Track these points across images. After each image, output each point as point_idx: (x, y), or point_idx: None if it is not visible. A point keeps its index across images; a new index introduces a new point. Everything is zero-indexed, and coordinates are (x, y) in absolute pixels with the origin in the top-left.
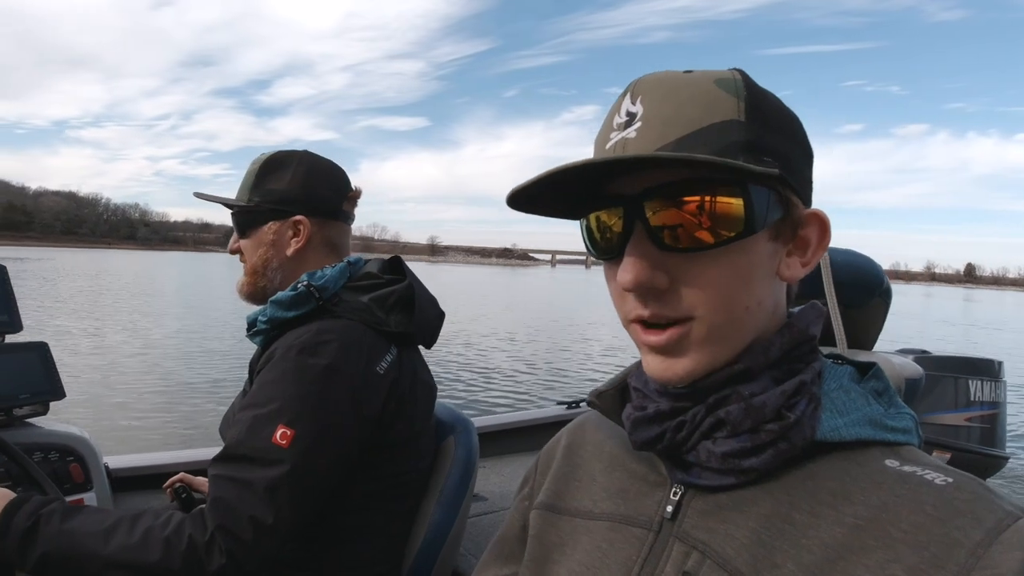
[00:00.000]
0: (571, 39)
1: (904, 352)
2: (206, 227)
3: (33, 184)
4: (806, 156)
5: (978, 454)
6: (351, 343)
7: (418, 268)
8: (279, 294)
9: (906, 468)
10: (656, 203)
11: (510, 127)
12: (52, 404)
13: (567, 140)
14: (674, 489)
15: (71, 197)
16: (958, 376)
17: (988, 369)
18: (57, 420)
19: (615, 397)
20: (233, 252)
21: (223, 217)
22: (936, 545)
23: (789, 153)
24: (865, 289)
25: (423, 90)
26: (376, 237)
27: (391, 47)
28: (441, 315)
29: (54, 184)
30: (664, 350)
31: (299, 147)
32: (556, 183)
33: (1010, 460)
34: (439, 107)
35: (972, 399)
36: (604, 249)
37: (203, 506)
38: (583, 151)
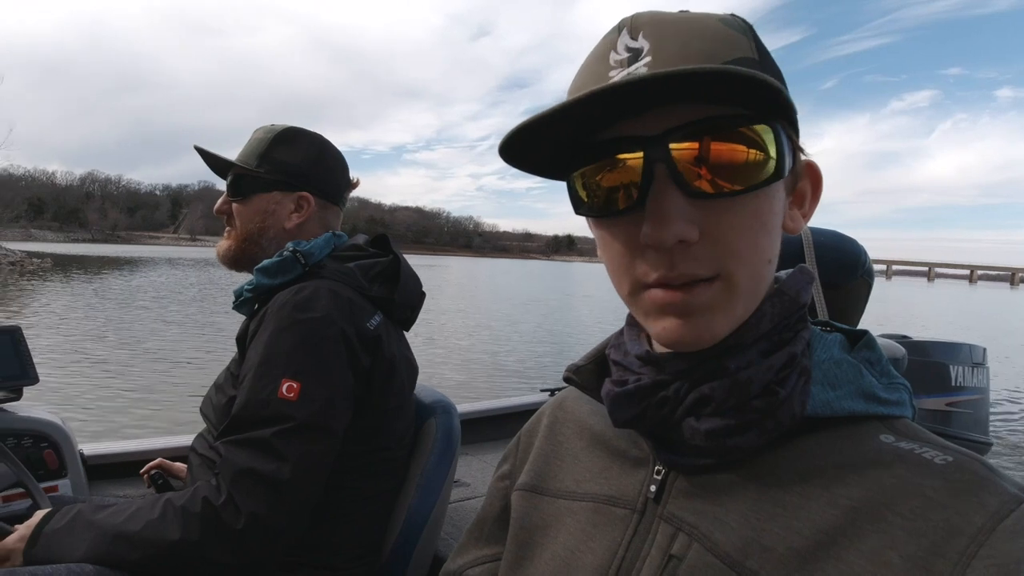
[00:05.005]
0: (897, 16)
1: (884, 337)
2: (529, 236)
3: (377, 199)
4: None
5: (958, 439)
6: (342, 298)
7: None
8: (264, 262)
9: (903, 445)
10: (683, 144)
11: (828, 122)
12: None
13: (897, 132)
14: (657, 468)
15: (418, 211)
16: (939, 361)
17: (971, 355)
18: (31, 406)
19: (593, 371)
20: (220, 213)
21: (544, 227)
22: (935, 531)
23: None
24: (847, 268)
25: None
26: None
27: None
28: (422, 295)
29: (389, 200)
30: (683, 310)
31: None
32: (553, 128)
33: (993, 446)
34: None
35: (954, 384)
36: (607, 203)
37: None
38: (915, 144)
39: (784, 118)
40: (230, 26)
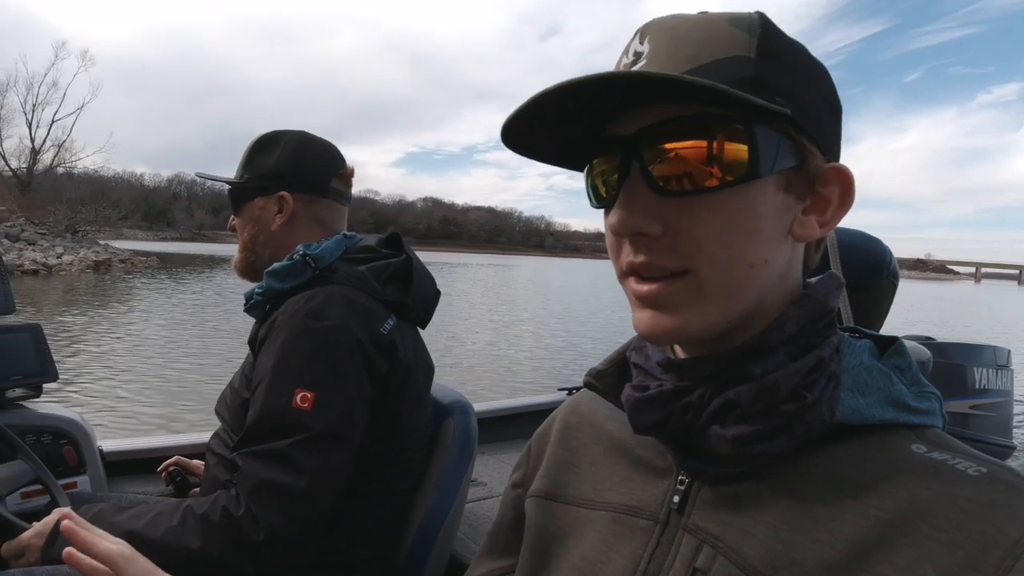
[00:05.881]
0: (984, 5)
1: (908, 338)
2: (601, 236)
3: (450, 199)
4: (831, 108)
5: (982, 443)
6: (355, 305)
7: None
8: (274, 265)
9: (935, 455)
10: (652, 143)
11: (913, 116)
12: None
13: (985, 127)
14: (680, 477)
15: (490, 211)
16: (962, 364)
17: (995, 357)
18: (50, 403)
19: (615, 376)
20: (231, 230)
21: None
22: (970, 544)
23: (807, 98)
24: (872, 269)
25: None
26: None
27: None
28: (438, 293)
29: (462, 200)
30: (654, 302)
31: None
32: (556, 123)
33: (1017, 449)
34: None
35: (978, 387)
36: (603, 197)
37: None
38: (1004, 139)
39: (784, 118)
40: (306, 34)
